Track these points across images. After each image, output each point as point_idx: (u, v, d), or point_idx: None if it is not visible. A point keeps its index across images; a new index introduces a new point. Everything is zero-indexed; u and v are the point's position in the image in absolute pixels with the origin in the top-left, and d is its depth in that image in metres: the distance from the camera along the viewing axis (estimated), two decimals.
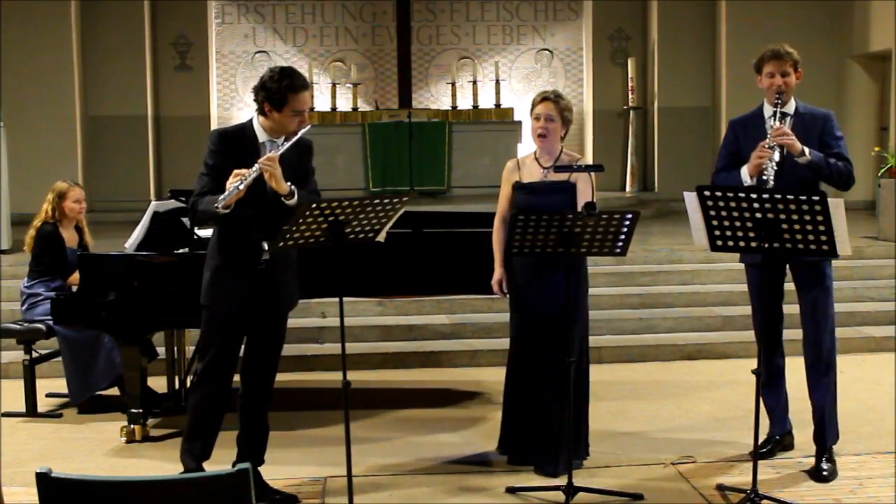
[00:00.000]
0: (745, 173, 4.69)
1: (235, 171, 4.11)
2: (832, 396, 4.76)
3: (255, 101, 4.31)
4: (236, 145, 4.26)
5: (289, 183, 4.18)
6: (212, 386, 4.42)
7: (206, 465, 4.51)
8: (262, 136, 4.30)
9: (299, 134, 4.24)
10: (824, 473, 4.65)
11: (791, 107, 4.84)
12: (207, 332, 4.44)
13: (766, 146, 4.61)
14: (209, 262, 4.41)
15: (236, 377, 4.50)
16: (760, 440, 4.57)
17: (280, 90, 4.19)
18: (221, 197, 4.08)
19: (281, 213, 4.19)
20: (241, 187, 4.07)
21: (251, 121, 4.36)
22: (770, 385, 4.92)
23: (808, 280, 4.76)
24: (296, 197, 4.20)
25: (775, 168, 4.56)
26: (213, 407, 4.46)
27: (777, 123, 4.67)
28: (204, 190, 4.24)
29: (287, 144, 4.21)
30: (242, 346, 4.52)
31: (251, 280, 4.32)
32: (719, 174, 4.89)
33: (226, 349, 4.41)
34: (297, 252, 4.47)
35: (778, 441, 4.98)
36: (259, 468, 4.51)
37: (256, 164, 4.12)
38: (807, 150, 4.64)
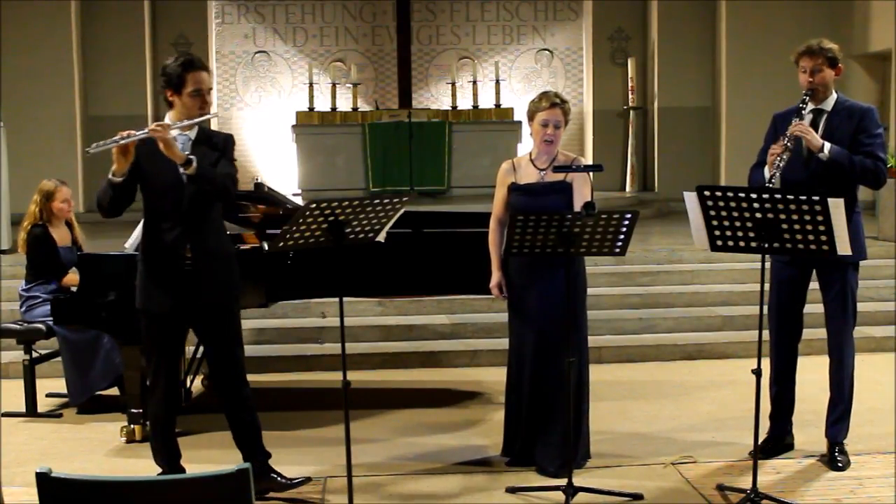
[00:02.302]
0: (766, 171, 4.70)
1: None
2: (848, 394, 4.86)
3: (160, 93, 4.34)
4: (148, 145, 4.21)
5: (186, 153, 4.18)
6: (162, 391, 4.44)
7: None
8: (173, 131, 4.28)
9: (204, 117, 4.25)
10: (839, 464, 4.75)
11: (830, 102, 4.78)
12: (147, 337, 4.46)
13: (782, 142, 4.61)
14: (139, 265, 4.41)
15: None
16: (760, 440, 4.58)
17: (176, 69, 4.22)
18: (95, 144, 4.07)
19: (196, 207, 4.22)
20: (125, 141, 4.06)
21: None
22: (778, 383, 4.95)
23: (832, 283, 4.79)
24: (194, 165, 4.16)
25: (784, 161, 4.56)
26: (168, 410, 4.49)
27: (797, 119, 4.64)
28: None
29: (188, 122, 4.21)
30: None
31: (179, 280, 4.31)
32: (754, 169, 4.89)
33: (167, 351, 4.42)
34: (231, 248, 4.49)
35: (778, 440, 4.99)
36: (268, 461, 4.52)
37: (146, 128, 4.13)
38: (826, 146, 4.61)
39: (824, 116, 4.77)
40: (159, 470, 4.46)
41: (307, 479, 4.53)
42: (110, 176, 4.14)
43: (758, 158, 4.93)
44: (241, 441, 4.51)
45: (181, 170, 4.17)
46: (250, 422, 4.51)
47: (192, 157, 4.18)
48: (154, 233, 4.32)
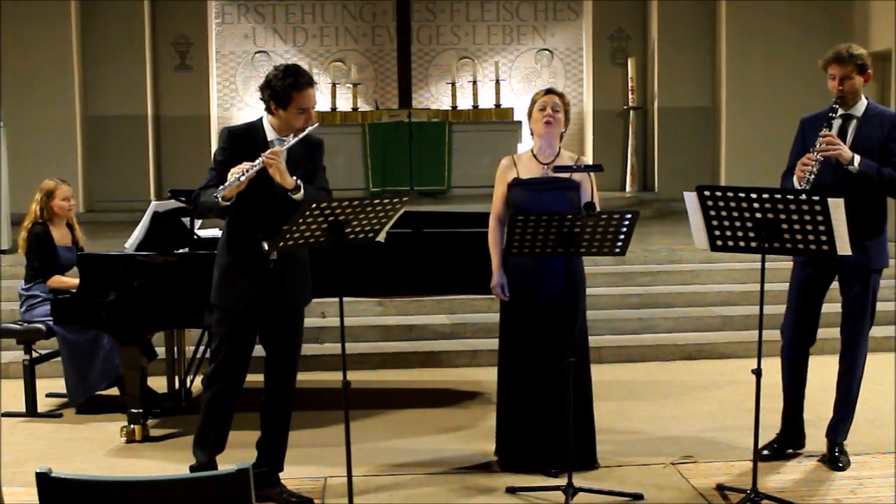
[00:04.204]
0: (795, 181, 4.65)
1: (238, 166, 4.16)
2: (855, 398, 4.87)
3: (261, 99, 4.36)
4: (245, 143, 4.29)
5: (295, 177, 4.20)
6: (222, 384, 4.45)
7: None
8: (271, 134, 4.33)
9: (306, 131, 4.27)
10: (839, 464, 4.76)
11: (860, 108, 4.74)
12: (218, 332, 4.46)
13: (812, 157, 4.55)
14: (218, 261, 4.45)
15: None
16: (767, 441, 4.57)
17: (284, 88, 4.24)
18: (222, 187, 4.12)
19: (287, 212, 4.21)
20: (243, 179, 4.10)
21: (261, 119, 4.41)
22: (791, 390, 4.91)
23: (853, 285, 4.76)
24: (302, 191, 4.21)
25: (814, 175, 4.51)
26: (224, 404, 4.49)
27: (827, 130, 4.58)
28: (209, 183, 4.28)
29: (293, 140, 4.23)
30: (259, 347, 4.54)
31: (259, 279, 4.34)
32: (785, 176, 4.84)
33: (237, 348, 4.43)
34: (307, 253, 4.48)
35: (784, 443, 4.95)
36: (279, 474, 4.53)
37: (260, 157, 4.15)
38: (857, 159, 4.56)
39: (853, 122, 4.72)
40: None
41: (310, 501, 4.50)
42: (219, 198, 4.13)
43: (788, 164, 4.86)
44: (269, 443, 4.53)
45: (290, 194, 4.19)
46: (285, 427, 4.56)
47: (300, 182, 4.21)
48: (241, 234, 4.35)
